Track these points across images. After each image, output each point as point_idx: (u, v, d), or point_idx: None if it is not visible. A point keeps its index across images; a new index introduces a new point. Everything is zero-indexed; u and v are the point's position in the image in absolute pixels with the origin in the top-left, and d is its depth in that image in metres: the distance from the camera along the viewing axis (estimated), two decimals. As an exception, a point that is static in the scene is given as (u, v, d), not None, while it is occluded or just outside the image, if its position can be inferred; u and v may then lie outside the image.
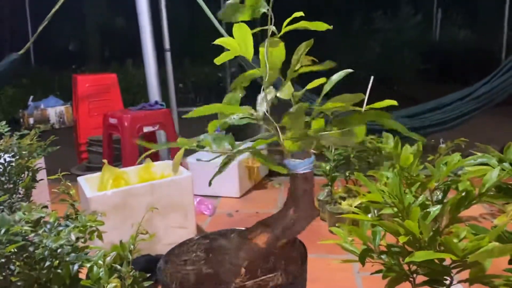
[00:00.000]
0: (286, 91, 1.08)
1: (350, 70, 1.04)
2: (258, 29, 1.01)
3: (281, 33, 1.00)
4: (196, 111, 1.06)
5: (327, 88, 1.06)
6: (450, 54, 9.62)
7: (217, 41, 1.10)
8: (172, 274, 1.23)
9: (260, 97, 1.07)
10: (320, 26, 0.98)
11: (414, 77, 9.32)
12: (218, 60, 1.06)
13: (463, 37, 10.27)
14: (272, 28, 0.98)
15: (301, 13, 0.96)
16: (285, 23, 0.99)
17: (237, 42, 1.04)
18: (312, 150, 1.07)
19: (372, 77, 1.09)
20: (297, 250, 1.27)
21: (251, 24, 1.03)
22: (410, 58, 9.52)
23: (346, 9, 10.15)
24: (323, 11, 9.59)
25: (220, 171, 1.11)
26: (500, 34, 7.61)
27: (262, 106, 1.03)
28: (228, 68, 8.58)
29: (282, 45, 0.99)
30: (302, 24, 0.98)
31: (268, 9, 0.98)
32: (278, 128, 1.02)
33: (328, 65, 1.06)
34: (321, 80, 1.04)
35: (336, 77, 1.06)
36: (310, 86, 1.10)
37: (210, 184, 1.11)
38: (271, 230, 1.13)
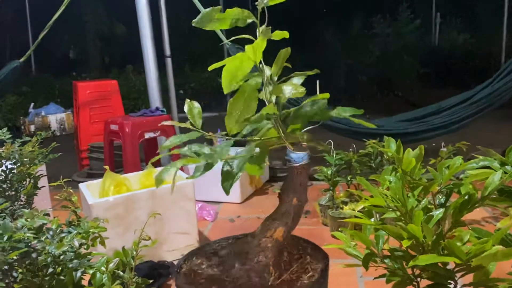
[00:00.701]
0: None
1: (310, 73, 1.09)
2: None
3: (271, 36, 1.01)
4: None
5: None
6: (449, 58, 9.64)
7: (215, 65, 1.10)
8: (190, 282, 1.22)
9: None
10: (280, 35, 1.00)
11: (413, 81, 9.33)
12: (211, 68, 1.07)
13: (462, 41, 10.29)
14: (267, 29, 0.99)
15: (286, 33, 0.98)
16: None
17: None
18: (305, 144, 1.12)
19: (318, 81, 1.15)
20: (300, 240, 1.33)
21: (246, 28, 1.04)
22: (409, 62, 9.53)
23: (345, 13, 10.18)
24: (323, 15, 9.63)
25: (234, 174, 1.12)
26: (499, 38, 7.63)
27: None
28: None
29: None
30: (274, 36, 1.00)
31: (255, 21, 1.00)
32: (280, 122, 1.05)
33: (315, 71, 1.10)
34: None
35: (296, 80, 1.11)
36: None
37: (228, 193, 1.13)
38: (284, 223, 1.19)
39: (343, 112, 1.03)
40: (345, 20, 10.42)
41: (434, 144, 3.30)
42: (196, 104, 1.12)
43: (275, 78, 1.11)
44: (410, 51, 9.75)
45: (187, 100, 1.13)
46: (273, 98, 1.05)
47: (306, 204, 1.26)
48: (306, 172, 1.21)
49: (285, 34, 1.01)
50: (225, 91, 1.07)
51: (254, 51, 0.97)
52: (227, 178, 1.07)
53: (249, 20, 1.01)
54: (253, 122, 1.00)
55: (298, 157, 1.18)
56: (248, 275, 1.16)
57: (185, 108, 1.14)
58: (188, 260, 1.30)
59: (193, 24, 1.01)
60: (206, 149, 1.05)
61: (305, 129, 1.18)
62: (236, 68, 1.03)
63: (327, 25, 9.79)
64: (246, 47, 0.99)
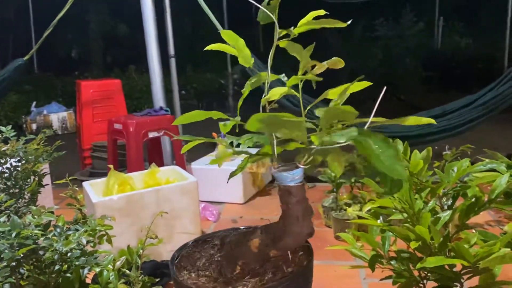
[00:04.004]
0: (275, 91, 1.07)
1: (361, 77, 1.02)
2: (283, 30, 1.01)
3: (295, 34, 1.00)
4: (183, 118, 1.08)
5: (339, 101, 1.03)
6: (452, 62, 9.63)
7: (211, 47, 1.11)
8: (186, 256, 1.26)
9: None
10: (337, 23, 0.97)
11: (416, 85, 9.33)
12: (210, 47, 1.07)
13: (465, 45, 10.29)
14: (291, 30, 0.99)
15: (322, 11, 0.97)
16: (300, 23, 1.00)
17: (233, 47, 1.05)
18: (301, 165, 1.02)
19: (384, 88, 1.06)
20: (298, 264, 1.22)
21: (250, 29, 1.04)
22: (412, 65, 9.54)
23: (348, 17, 10.17)
24: (325, 19, 9.58)
25: (235, 173, 1.11)
26: (502, 41, 7.62)
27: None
28: (231, 75, 8.61)
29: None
30: (320, 23, 0.98)
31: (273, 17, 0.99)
32: (274, 135, 1.00)
33: (340, 64, 1.06)
34: (344, 86, 1.01)
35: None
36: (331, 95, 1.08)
37: (228, 180, 1.11)
38: (263, 237, 1.13)
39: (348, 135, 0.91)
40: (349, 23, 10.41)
41: (437, 148, 3.29)
42: None
43: (304, 72, 1.06)
44: (413, 54, 9.76)
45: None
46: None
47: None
48: (289, 195, 1.03)
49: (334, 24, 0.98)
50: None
51: (235, 44, 0.98)
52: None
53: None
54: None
55: (278, 177, 1.03)
56: (221, 261, 1.19)
57: None
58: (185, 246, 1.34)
59: (258, 19, 1.00)
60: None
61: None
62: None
63: (330, 28, 9.76)
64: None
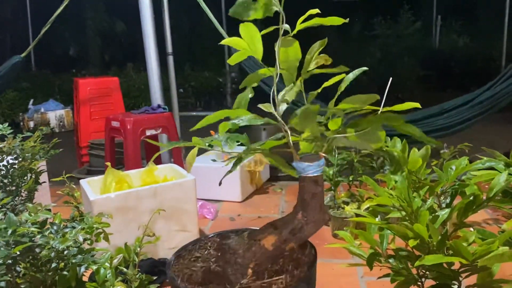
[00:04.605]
0: (293, 91, 1.07)
1: (365, 68, 1.03)
2: (271, 28, 1.01)
3: (295, 31, 1.00)
4: (206, 120, 1.06)
5: (342, 86, 1.05)
6: (450, 61, 9.64)
7: (225, 41, 1.10)
8: (180, 270, 1.22)
9: (280, 95, 1.05)
10: (336, 21, 0.98)
11: (414, 84, 9.33)
12: (231, 61, 1.06)
13: (463, 44, 10.30)
14: (286, 26, 0.98)
15: (316, 10, 0.96)
16: (299, 21, 0.99)
17: (246, 42, 1.04)
18: (322, 154, 1.05)
19: (390, 78, 1.08)
20: (307, 255, 1.26)
21: (254, 24, 1.04)
22: (409, 64, 9.53)
23: (346, 15, 10.17)
24: (323, 17, 9.59)
25: (231, 171, 1.10)
26: (499, 41, 7.63)
27: (282, 105, 1.02)
28: (228, 73, 8.60)
29: (297, 43, 0.99)
30: (316, 21, 0.97)
31: (279, 8, 0.98)
32: (288, 129, 1.01)
33: (343, 69, 1.05)
34: (339, 77, 1.02)
35: (351, 75, 1.05)
36: (326, 84, 1.08)
37: (220, 183, 1.10)
38: (279, 232, 1.12)
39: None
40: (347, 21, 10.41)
41: (434, 146, 3.29)
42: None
43: (311, 68, 1.06)
44: (410, 53, 9.75)
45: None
46: (292, 96, 1.01)
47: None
48: (316, 185, 1.09)
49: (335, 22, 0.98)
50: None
51: (250, 38, 0.97)
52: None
53: (275, 9, 0.99)
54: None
55: (300, 167, 1.07)
56: (224, 269, 1.15)
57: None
58: (184, 248, 1.30)
59: (230, 14, 1.00)
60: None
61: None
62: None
63: (327, 26, 9.76)
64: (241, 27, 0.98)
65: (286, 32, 1.02)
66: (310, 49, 1.05)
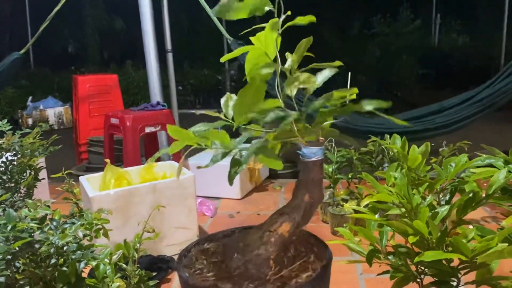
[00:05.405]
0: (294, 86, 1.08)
1: (339, 63, 1.06)
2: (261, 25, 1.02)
3: (282, 28, 1.00)
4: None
5: (320, 83, 1.08)
6: (449, 60, 9.65)
7: (243, 49, 1.09)
8: (196, 269, 1.21)
9: (290, 81, 1.06)
10: (305, 19, 0.99)
11: (413, 82, 9.35)
12: (223, 58, 1.06)
13: (462, 42, 10.31)
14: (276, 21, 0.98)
15: (312, 17, 0.97)
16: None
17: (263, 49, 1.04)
18: (322, 138, 1.10)
19: (349, 73, 1.11)
20: (311, 237, 1.33)
21: (248, 24, 1.04)
22: (409, 62, 9.54)
23: (346, 13, 10.18)
24: (323, 15, 9.62)
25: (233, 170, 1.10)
26: (499, 40, 7.64)
27: (293, 91, 1.04)
28: (227, 71, 8.60)
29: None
30: (298, 21, 0.99)
31: (272, 9, 0.99)
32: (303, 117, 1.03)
33: (337, 64, 1.06)
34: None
35: (328, 72, 1.07)
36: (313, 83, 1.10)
37: (231, 183, 1.10)
38: (291, 218, 1.17)
39: (367, 106, 0.97)
40: (346, 19, 10.43)
41: (433, 144, 3.30)
42: (234, 97, 1.12)
43: (295, 68, 1.08)
44: (410, 51, 9.76)
45: (227, 93, 1.15)
46: (293, 91, 1.03)
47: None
48: (320, 168, 1.19)
49: (311, 18, 1.00)
50: (236, 125, 1.09)
51: (264, 42, 0.97)
52: (234, 165, 1.05)
53: (267, 8, 1.00)
54: (266, 113, 0.98)
55: (310, 152, 1.15)
56: (246, 267, 1.16)
57: (222, 101, 1.17)
58: (193, 246, 1.29)
59: (213, 14, 1.00)
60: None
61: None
62: (258, 56, 1.03)
63: (327, 24, 9.81)
64: (256, 37, 0.98)
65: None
66: (297, 47, 1.06)
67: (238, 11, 0.99)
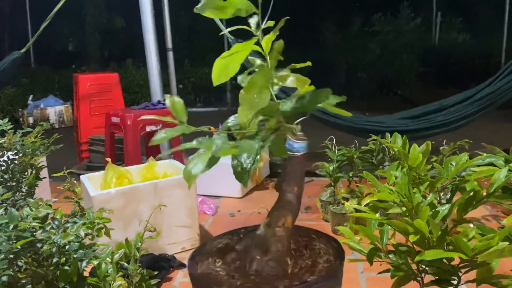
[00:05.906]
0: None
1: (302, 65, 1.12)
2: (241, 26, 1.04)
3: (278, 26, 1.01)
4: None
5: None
6: (449, 58, 9.63)
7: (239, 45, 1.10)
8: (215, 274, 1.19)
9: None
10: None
11: (413, 80, 9.33)
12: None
13: (463, 40, 10.29)
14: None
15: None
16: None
17: None
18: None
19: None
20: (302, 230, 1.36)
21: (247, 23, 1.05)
22: (409, 61, 9.53)
23: (346, 11, 10.17)
24: (323, 13, 9.62)
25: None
26: (499, 38, 7.63)
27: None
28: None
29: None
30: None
31: (256, 12, 1.00)
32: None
33: (308, 64, 1.12)
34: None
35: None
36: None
37: (246, 184, 1.11)
38: (291, 211, 1.20)
39: (332, 100, 1.02)
40: (346, 17, 10.42)
41: (434, 143, 3.30)
42: (178, 99, 1.05)
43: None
44: (410, 49, 9.75)
45: (167, 95, 1.06)
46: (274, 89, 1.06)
47: (307, 200, 1.27)
48: (306, 161, 1.25)
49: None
50: (215, 84, 1.09)
51: (265, 44, 0.98)
52: (241, 176, 1.06)
53: (253, 10, 1.00)
54: (266, 113, 0.99)
55: (300, 146, 1.21)
56: (270, 266, 1.16)
57: (168, 104, 1.04)
58: (202, 255, 1.26)
59: (194, 11, 1.00)
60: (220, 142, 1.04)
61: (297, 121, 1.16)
62: (227, 62, 1.04)
63: (327, 22, 9.81)
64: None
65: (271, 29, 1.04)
66: (271, 50, 1.07)
67: (220, 10, 0.99)
